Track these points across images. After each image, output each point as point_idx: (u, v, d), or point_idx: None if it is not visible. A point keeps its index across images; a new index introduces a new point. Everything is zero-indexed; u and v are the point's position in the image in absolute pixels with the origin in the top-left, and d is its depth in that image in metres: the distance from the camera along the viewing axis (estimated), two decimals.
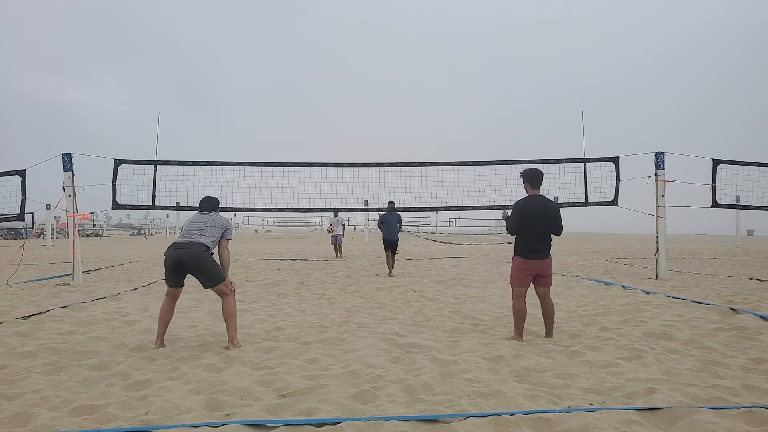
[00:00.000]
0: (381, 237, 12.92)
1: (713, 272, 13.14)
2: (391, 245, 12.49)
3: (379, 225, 12.86)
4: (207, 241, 5.12)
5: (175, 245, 5.11)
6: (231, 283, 5.22)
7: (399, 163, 11.68)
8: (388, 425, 3.09)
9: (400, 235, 12.73)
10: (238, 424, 3.12)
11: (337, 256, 18.82)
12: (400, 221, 12.76)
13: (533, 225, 5.41)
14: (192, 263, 5.03)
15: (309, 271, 13.66)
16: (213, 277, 5.09)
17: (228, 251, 5.39)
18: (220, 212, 5.60)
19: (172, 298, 5.26)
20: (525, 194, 5.62)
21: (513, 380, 4.05)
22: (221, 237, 5.31)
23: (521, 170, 5.71)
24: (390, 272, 12.52)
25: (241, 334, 5.55)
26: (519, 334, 5.48)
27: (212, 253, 5.20)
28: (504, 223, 5.96)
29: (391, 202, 12.17)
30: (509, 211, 5.79)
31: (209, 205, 5.53)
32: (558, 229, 5.54)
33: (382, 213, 12.69)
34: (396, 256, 12.80)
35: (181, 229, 5.43)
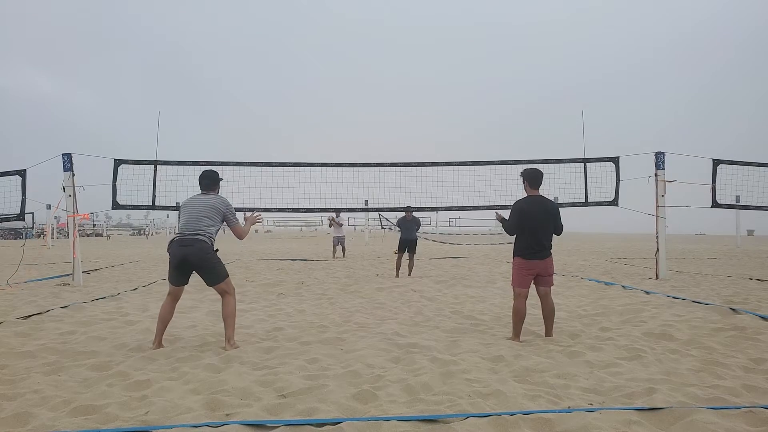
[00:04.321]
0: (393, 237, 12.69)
1: (713, 272, 13.14)
2: (408, 244, 12.18)
3: (398, 225, 12.70)
4: (208, 236, 5.06)
5: (179, 242, 5.04)
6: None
7: (399, 163, 11.68)
8: (388, 425, 3.09)
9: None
10: (238, 424, 3.12)
11: (334, 256, 18.71)
12: (419, 226, 12.53)
13: (533, 225, 5.41)
14: (196, 260, 5.02)
15: (309, 271, 13.66)
16: (216, 275, 5.10)
17: (242, 232, 5.35)
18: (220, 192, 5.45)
19: (173, 298, 5.24)
20: (525, 194, 5.63)
21: (513, 380, 4.05)
22: (228, 223, 5.24)
23: (521, 170, 5.73)
24: (409, 273, 12.26)
25: (241, 334, 5.55)
26: (517, 334, 5.48)
27: (217, 249, 5.16)
28: (499, 223, 5.96)
29: (408, 207, 11.96)
30: (502, 212, 5.82)
31: (209, 181, 5.35)
32: (558, 229, 5.56)
33: (399, 218, 12.49)
34: (414, 257, 12.49)
35: (179, 212, 5.29)
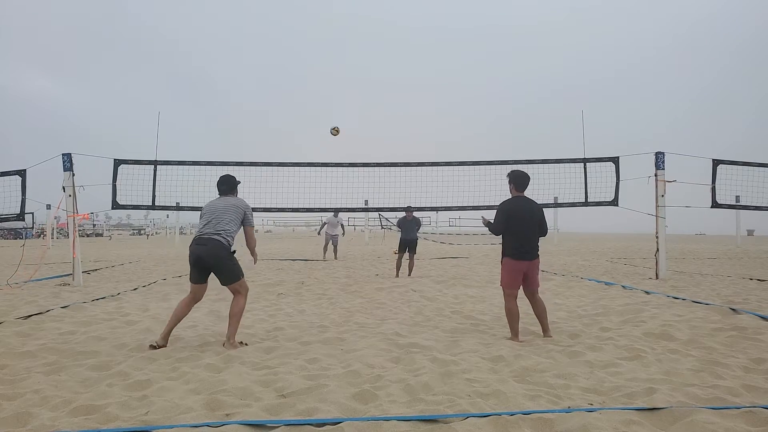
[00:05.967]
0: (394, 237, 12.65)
1: (713, 272, 13.14)
2: (408, 244, 12.17)
3: (398, 225, 12.70)
4: (226, 235, 5.12)
5: (197, 241, 5.16)
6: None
7: (399, 163, 11.68)
8: (388, 425, 3.09)
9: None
10: (238, 424, 3.12)
11: (325, 256, 18.26)
12: (419, 225, 12.57)
13: (519, 226, 5.46)
14: (210, 260, 5.10)
15: (309, 271, 13.66)
16: (230, 275, 5.19)
17: (254, 239, 5.50)
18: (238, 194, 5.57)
19: (193, 296, 5.29)
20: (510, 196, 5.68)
21: (513, 380, 4.05)
22: (245, 222, 5.32)
23: (508, 171, 5.77)
24: (409, 273, 12.25)
25: (241, 334, 5.55)
26: (515, 334, 5.50)
27: (234, 251, 5.21)
28: (484, 227, 5.99)
29: (408, 207, 11.96)
30: (487, 217, 5.86)
31: (227, 187, 5.47)
32: (543, 230, 5.60)
33: (399, 218, 12.52)
34: (414, 257, 12.50)
35: (201, 214, 5.39)
